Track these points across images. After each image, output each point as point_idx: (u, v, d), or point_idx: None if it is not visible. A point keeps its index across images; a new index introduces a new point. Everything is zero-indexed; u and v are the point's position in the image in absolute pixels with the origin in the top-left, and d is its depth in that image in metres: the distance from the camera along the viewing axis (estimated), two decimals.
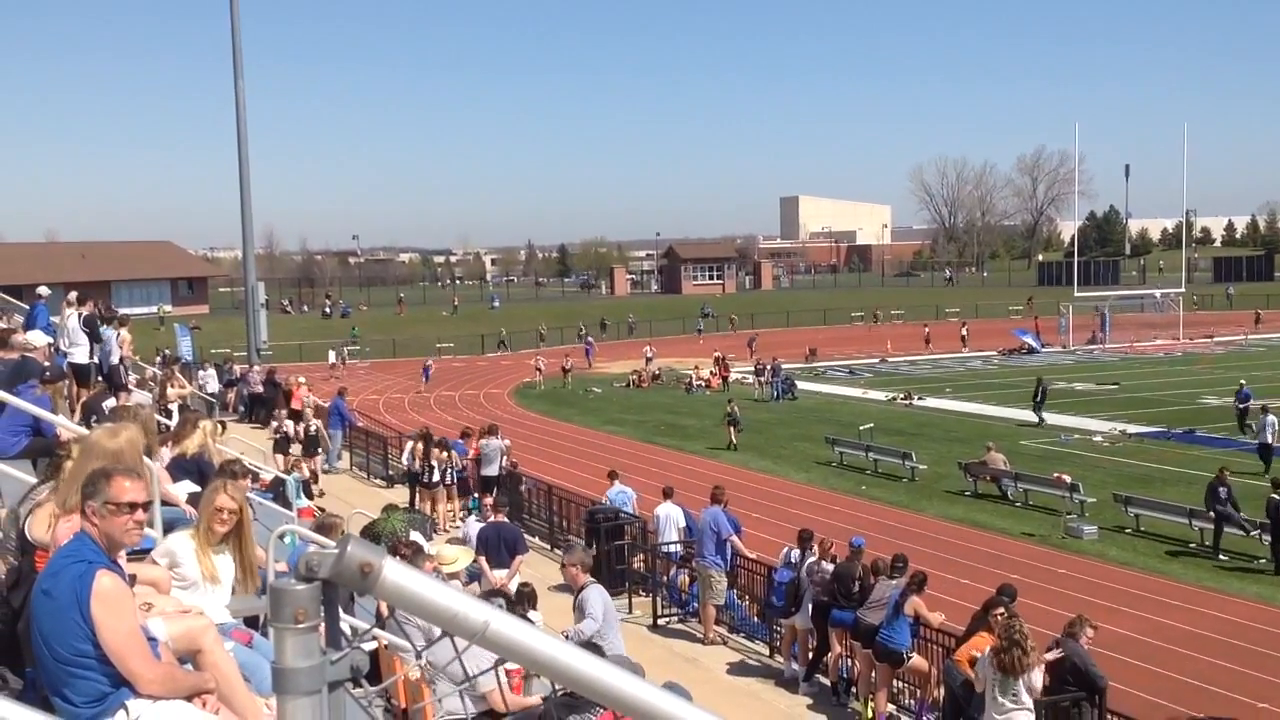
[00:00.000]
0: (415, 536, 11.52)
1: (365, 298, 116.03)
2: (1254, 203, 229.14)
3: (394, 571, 1.54)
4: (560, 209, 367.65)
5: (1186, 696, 16.29)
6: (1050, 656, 11.55)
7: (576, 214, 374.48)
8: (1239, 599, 20.88)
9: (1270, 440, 30.03)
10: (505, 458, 26.55)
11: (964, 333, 70.14)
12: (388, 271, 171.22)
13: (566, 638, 9.70)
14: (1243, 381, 38.45)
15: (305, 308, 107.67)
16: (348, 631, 1.78)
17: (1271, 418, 30.51)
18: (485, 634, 1.56)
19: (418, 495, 23.69)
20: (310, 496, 21.63)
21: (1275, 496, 22.30)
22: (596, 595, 10.80)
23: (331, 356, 67.36)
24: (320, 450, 26.45)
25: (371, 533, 13.68)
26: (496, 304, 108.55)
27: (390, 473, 28.41)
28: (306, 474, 23.77)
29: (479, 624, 1.56)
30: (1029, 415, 40.92)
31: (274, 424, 26.54)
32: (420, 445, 23.96)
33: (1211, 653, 18.13)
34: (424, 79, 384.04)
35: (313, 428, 26.25)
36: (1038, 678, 11.14)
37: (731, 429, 38.30)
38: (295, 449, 24.57)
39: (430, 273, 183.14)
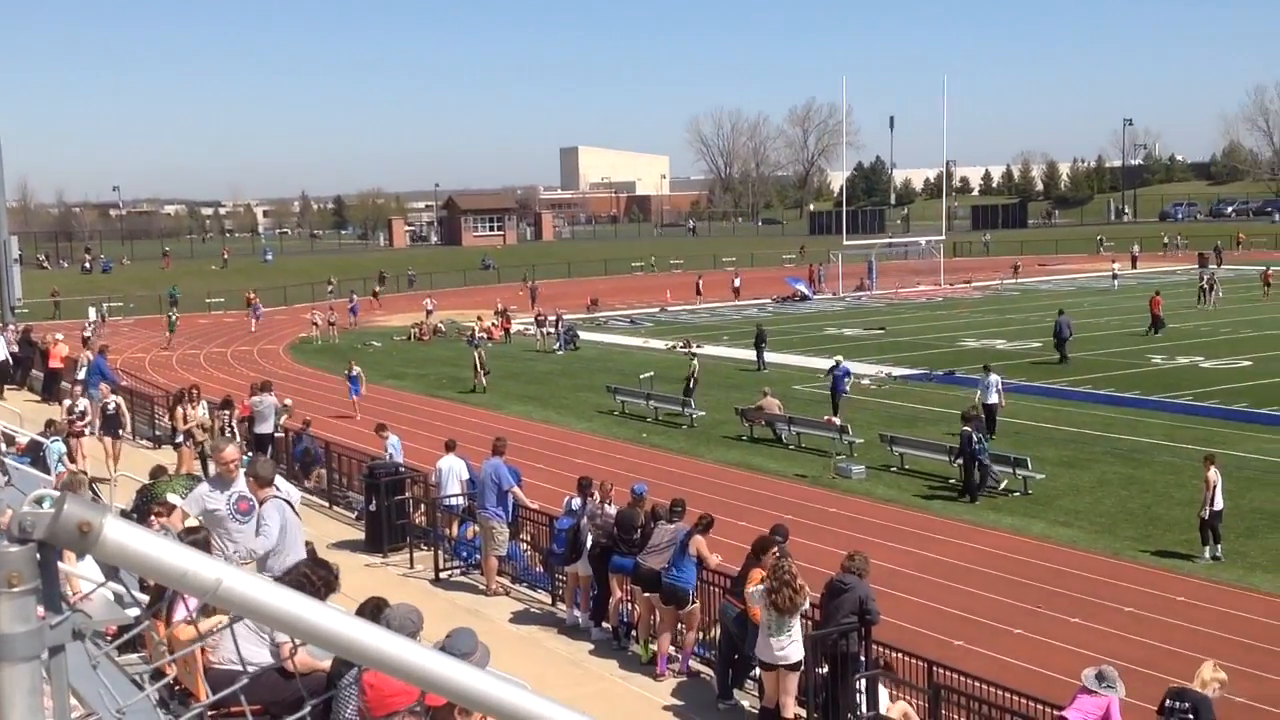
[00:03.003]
0: (172, 498, 11.09)
1: (128, 252, 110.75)
2: (1009, 153, 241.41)
3: (115, 530, 1.46)
4: (335, 159, 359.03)
5: (949, 626, 17.19)
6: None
7: (352, 164, 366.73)
8: (994, 530, 22.11)
9: (993, 400, 29.50)
10: (287, 416, 25.97)
11: (737, 283, 71.32)
12: (152, 224, 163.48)
13: (239, 557, 9.39)
14: (839, 358, 34.36)
15: (64, 263, 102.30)
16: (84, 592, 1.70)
17: (994, 377, 30.09)
18: (218, 592, 1.50)
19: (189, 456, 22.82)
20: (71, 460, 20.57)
21: (966, 429, 24.08)
22: (274, 511, 9.89)
23: (92, 313, 64.18)
24: (122, 431, 24.57)
25: (148, 495, 13.20)
26: (269, 257, 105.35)
27: (157, 433, 27.36)
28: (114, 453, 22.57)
29: (211, 582, 1.50)
30: (802, 360, 42.51)
31: (67, 402, 24.44)
32: (175, 405, 23.08)
33: (970, 583, 19.16)
34: (189, 18, 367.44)
35: (110, 405, 24.14)
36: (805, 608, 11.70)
37: (479, 374, 39.67)
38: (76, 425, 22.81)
39: (198, 225, 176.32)
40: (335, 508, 22.05)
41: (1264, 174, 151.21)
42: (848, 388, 31.43)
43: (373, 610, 7.31)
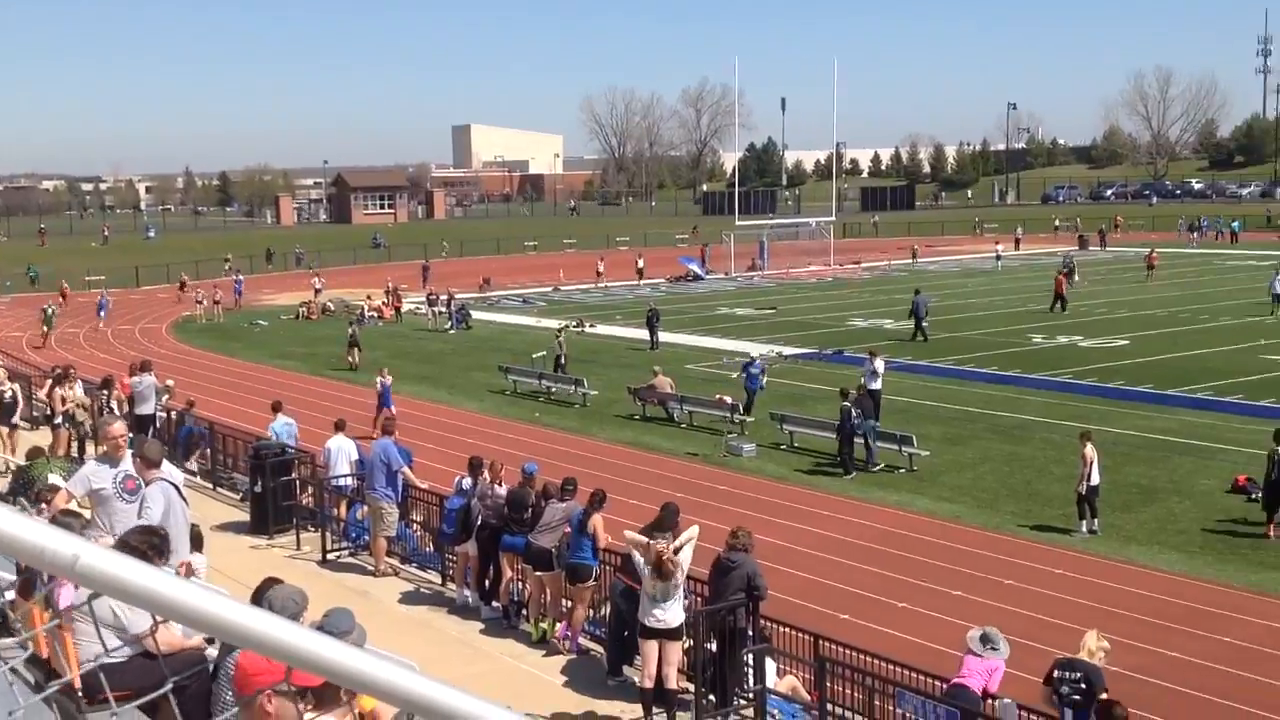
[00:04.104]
0: (54, 479, 10.80)
1: (4, 229, 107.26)
2: (897, 136, 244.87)
3: None
4: (220, 134, 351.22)
5: (835, 600, 17.47)
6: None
7: (238, 140, 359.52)
8: (881, 507, 22.51)
9: (876, 386, 28.53)
10: (169, 396, 25.44)
11: (640, 264, 70.54)
12: (29, 200, 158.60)
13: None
14: (754, 355, 33.19)
15: None
16: None
17: (879, 362, 29.36)
18: (76, 568, 1.48)
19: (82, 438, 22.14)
20: None
21: (845, 404, 24.74)
22: (158, 493, 9.57)
23: None
24: (16, 419, 23.48)
25: (26, 478, 12.86)
26: (152, 234, 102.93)
27: (35, 414, 26.58)
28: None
29: (68, 558, 1.48)
30: (694, 340, 42.92)
31: None
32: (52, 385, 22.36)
33: (856, 558, 19.50)
34: None
35: (7, 392, 23.06)
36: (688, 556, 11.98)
37: (353, 351, 39.93)
38: None
39: (78, 201, 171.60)
40: (219, 489, 21.67)
41: (1142, 158, 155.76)
42: (763, 384, 31.07)
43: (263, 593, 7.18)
